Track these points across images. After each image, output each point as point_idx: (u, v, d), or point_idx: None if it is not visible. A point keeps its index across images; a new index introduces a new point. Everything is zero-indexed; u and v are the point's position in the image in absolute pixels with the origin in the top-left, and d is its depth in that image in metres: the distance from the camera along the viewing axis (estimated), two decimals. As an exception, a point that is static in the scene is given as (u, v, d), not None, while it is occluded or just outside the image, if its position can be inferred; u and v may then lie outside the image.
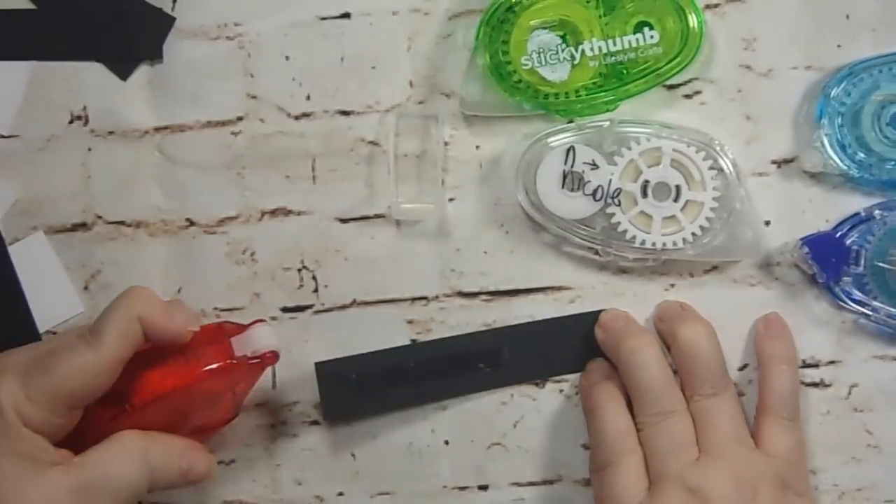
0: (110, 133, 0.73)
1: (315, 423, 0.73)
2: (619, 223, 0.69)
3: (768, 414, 0.67)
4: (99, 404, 0.60)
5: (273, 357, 0.62)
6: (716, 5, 0.71)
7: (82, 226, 0.74)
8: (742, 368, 0.71)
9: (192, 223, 0.73)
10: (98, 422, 0.60)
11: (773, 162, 0.71)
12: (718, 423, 0.65)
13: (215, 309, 0.73)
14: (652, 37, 0.69)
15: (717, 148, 0.69)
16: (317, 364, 0.69)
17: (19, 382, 0.57)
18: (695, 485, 0.63)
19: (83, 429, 0.60)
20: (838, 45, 0.71)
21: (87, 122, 0.73)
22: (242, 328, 0.63)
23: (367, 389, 0.69)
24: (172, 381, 0.60)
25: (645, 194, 0.69)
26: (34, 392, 0.57)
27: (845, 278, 0.69)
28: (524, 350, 0.71)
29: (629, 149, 0.69)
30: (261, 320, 0.64)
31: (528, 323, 0.71)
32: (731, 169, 0.69)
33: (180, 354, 0.61)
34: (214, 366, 0.61)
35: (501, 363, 0.71)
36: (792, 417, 0.67)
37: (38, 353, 0.60)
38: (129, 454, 0.59)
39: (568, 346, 0.71)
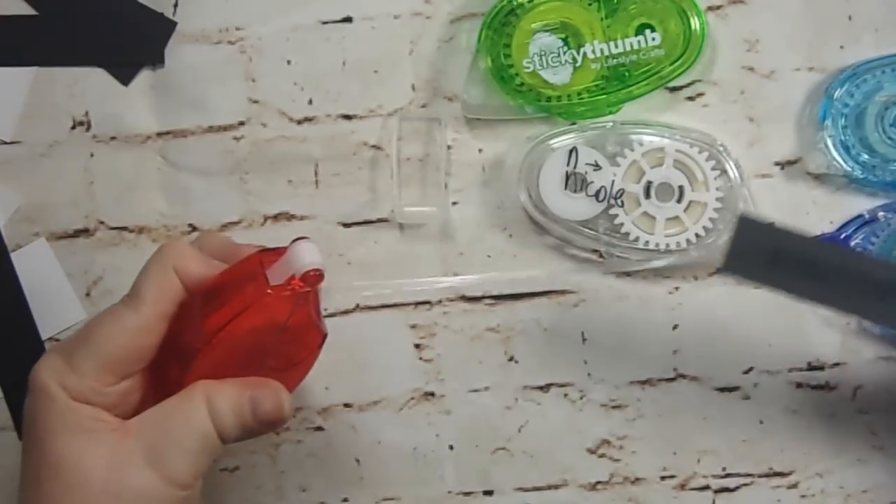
0: (112, 138, 0.73)
1: (319, 429, 0.73)
2: (622, 224, 0.69)
3: None
4: (167, 365, 0.57)
5: (316, 276, 0.55)
6: (718, 7, 0.71)
7: (84, 232, 0.73)
8: (747, 372, 0.71)
9: (194, 228, 0.73)
10: (170, 384, 0.56)
11: (777, 163, 0.71)
12: None
13: (218, 314, 0.73)
14: (654, 39, 0.69)
15: (720, 148, 0.69)
16: (741, 215, 0.60)
17: (62, 357, 0.54)
18: None
19: (161, 397, 0.56)
20: (841, 47, 0.71)
21: (89, 128, 0.73)
22: (280, 252, 0.55)
23: (779, 266, 0.60)
24: (217, 326, 0.55)
25: (648, 195, 0.69)
26: (78, 362, 0.54)
27: (850, 280, 0.69)
28: None
29: (632, 150, 0.69)
30: (301, 238, 0.55)
31: None
32: (735, 170, 0.69)
33: (224, 296, 0.56)
34: (252, 304, 0.55)
35: None
36: None
37: (80, 329, 0.56)
38: (189, 404, 0.55)
39: None
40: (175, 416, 0.55)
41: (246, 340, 0.56)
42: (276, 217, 0.73)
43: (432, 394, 0.73)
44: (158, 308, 0.55)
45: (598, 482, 0.73)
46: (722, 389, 0.72)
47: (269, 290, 0.55)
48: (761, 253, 0.59)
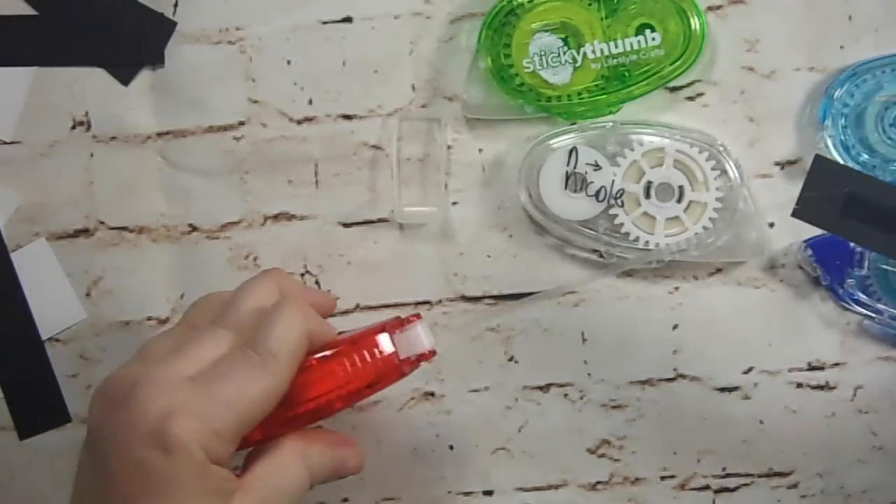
0: (112, 139, 0.73)
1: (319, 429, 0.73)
2: (622, 224, 0.69)
3: None
4: None
5: (431, 355, 0.61)
6: (718, 7, 0.71)
7: (84, 232, 0.73)
8: (747, 372, 0.71)
9: (194, 228, 0.73)
10: (251, 436, 0.58)
11: (777, 163, 0.71)
12: None
13: (218, 314, 0.73)
14: (654, 39, 0.69)
15: (720, 148, 0.69)
16: (818, 156, 0.59)
17: (200, 418, 0.52)
18: None
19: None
20: (841, 47, 0.71)
21: (89, 128, 0.73)
22: (398, 324, 0.61)
23: (851, 213, 0.58)
24: (338, 386, 0.59)
25: (648, 195, 0.69)
26: (222, 427, 0.53)
27: (849, 280, 0.69)
28: None
29: (632, 150, 0.69)
30: (417, 316, 0.61)
31: None
32: (735, 170, 0.69)
33: (345, 357, 0.60)
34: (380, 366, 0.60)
35: None
36: None
37: (203, 378, 0.54)
38: (293, 461, 0.57)
39: None
40: (283, 476, 0.57)
41: (351, 400, 0.60)
42: (276, 217, 0.73)
43: (432, 394, 0.73)
44: (294, 373, 0.56)
45: (598, 482, 0.73)
46: (722, 389, 0.72)
47: (399, 365, 0.60)
48: (836, 198, 0.58)
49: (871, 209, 0.58)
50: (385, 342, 0.60)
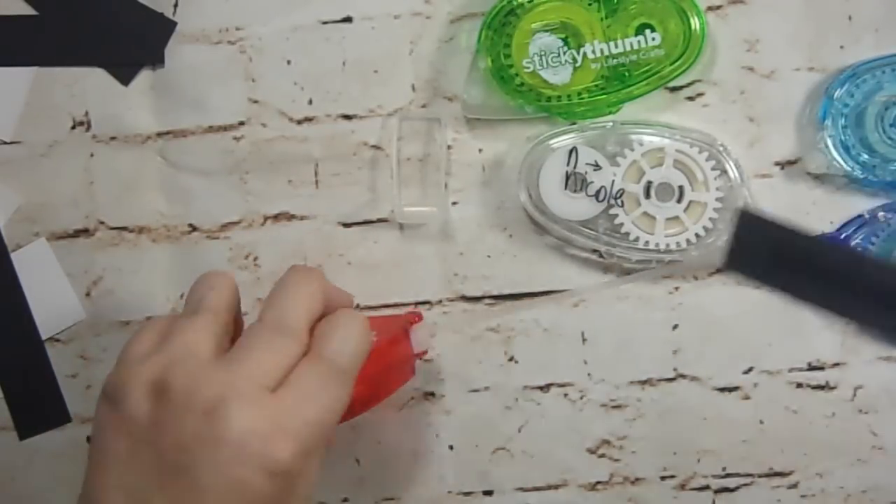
0: (112, 139, 0.73)
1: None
2: (622, 224, 0.69)
3: None
4: None
5: (424, 353, 0.66)
6: (718, 7, 0.71)
7: (84, 232, 0.74)
8: (747, 372, 0.71)
9: (194, 228, 0.73)
10: None
11: (777, 163, 0.71)
12: None
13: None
14: (654, 39, 0.69)
15: (720, 148, 0.69)
16: (742, 210, 0.57)
17: (297, 441, 0.52)
18: None
19: None
20: (841, 47, 0.70)
21: (89, 128, 0.73)
22: (407, 322, 0.65)
23: (779, 263, 0.57)
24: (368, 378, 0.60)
25: (648, 195, 0.69)
26: (312, 448, 0.53)
27: (849, 280, 0.69)
28: None
29: (632, 149, 0.69)
30: (419, 315, 0.66)
31: None
32: (735, 170, 0.69)
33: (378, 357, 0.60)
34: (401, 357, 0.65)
35: None
36: None
37: (287, 394, 0.53)
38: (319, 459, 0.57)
39: None
40: (314, 472, 0.57)
41: (370, 404, 0.63)
42: (276, 217, 0.73)
43: (432, 394, 0.73)
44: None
45: (598, 482, 0.73)
46: (722, 389, 0.72)
47: (413, 357, 0.66)
48: (763, 251, 0.56)
49: (798, 262, 0.56)
50: (407, 343, 0.64)
